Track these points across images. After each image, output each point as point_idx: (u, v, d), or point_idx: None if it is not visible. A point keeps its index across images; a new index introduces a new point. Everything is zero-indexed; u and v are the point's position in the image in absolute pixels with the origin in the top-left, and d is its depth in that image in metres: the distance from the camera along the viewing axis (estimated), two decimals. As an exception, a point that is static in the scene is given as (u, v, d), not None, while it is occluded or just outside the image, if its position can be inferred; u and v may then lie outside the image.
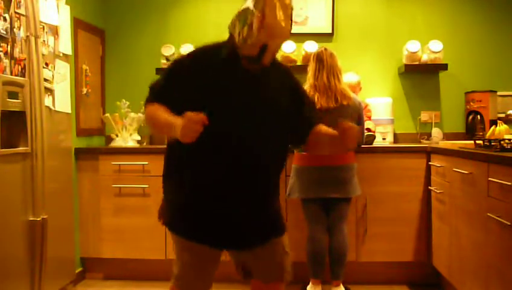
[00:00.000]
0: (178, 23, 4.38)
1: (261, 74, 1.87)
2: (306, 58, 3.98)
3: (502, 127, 3.10)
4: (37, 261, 2.90)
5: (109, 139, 4.21)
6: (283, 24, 1.75)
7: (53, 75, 3.14)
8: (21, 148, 2.79)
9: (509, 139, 2.59)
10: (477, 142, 2.88)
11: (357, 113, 3.27)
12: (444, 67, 4.09)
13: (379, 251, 3.59)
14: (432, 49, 4.07)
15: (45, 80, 3.02)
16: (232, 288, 3.15)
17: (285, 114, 1.95)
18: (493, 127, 3.17)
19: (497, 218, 2.33)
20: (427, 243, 3.56)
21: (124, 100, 4.16)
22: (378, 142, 3.97)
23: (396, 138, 4.22)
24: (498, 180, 2.32)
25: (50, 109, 3.11)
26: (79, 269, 3.77)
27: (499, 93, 4.01)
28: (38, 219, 2.90)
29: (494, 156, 2.39)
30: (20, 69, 2.77)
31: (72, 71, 3.59)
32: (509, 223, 2.21)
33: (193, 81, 1.84)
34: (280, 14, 1.73)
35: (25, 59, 2.81)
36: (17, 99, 2.74)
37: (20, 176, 2.79)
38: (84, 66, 3.97)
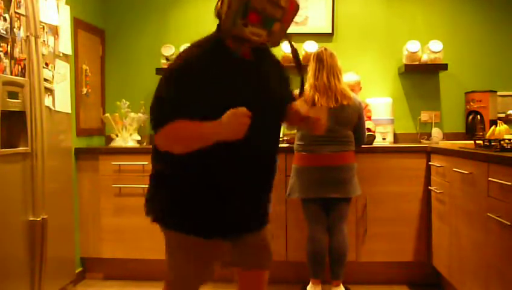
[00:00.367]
0: (178, 23, 4.39)
1: (256, 63, 1.87)
2: (306, 58, 3.98)
3: (502, 127, 3.10)
4: (37, 261, 2.90)
5: (109, 139, 4.21)
6: None
7: (53, 75, 3.14)
8: (21, 148, 2.79)
9: (509, 139, 2.59)
10: (477, 142, 2.88)
11: (357, 113, 3.28)
12: (444, 67, 4.09)
13: (379, 251, 3.59)
14: (432, 49, 4.07)
15: (45, 80, 3.02)
16: (232, 288, 3.15)
17: (282, 101, 1.98)
18: (493, 127, 3.16)
19: (497, 218, 2.33)
20: (427, 243, 3.56)
21: (124, 100, 4.16)
22: (378, 142, 3.97)
23: (396, 138, 4.22)
24: (498, 180, 2.32)
25: (50, 109, 3.11)
26: (79, 269, 3.77)
27: (499, 93, 4.01)
28: (38, 219, 2.90)
29: (494, 156, 2.39)
30: (20, 69, 2.77)
31: (72, 71, 3.59)
32: (509, 223, 2.21)
33: (201, 89, 1.76)
34: None
35: (25, 59, 2.81)
36: (17, 99, 2.74)
37: (20, 176, 2.79)
38: (84, 66, 3.97)
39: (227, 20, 1.75)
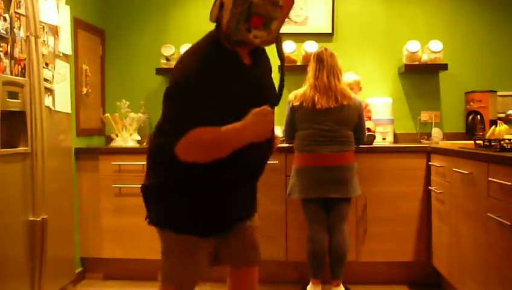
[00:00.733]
0: (178, 23, 4.39)
1: (254, 65, 1.87)
2: (306, 58, 3.98)
3: (502, 127, 3.09)
4: (37, 261, 2.90)
5: (109, 139, 4.21)
6: None
7: (53, 75, 3.14)
8: (21, 148, 2.79)
9: (509, 139, 2.59)
10: (477, 142, 2.88)
11: (358, 113, 3.27)
12: (444, 67, 4.09)
13: (379, 250, 3.59)
14: (432, 49, 4.06)
15: (45, 80, 3.02)
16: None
17: (276, 102, 1.97)
18: (493, 127, 3.16)
19: (497, 218, 2.33)
20: (427, 243, 3.56)
21: (124, 100, 4.16)
22: (378, 142, 3.97)
23: (396, 138, 4.22)
24: (498, 180, 2.32)
25: (50, 109, 3.11)
26: (79, 269, 3.77)
27: (499, 93, 4.01)
28: (38, 219, 2.90)
29: (494, 156, 2.39)
30: (20, 69, 2.77)
31: (72, 71, 3.59)
32: (509, 223, 2.21)
33: (207, 97, 1.73)
34: None
35: (25, 59, 2.81)
36: (17, 99, 2.74)
37: (20, 176, 2.79)
38: (84, 66, 3.97)
39: (229, 27, 1.72)
